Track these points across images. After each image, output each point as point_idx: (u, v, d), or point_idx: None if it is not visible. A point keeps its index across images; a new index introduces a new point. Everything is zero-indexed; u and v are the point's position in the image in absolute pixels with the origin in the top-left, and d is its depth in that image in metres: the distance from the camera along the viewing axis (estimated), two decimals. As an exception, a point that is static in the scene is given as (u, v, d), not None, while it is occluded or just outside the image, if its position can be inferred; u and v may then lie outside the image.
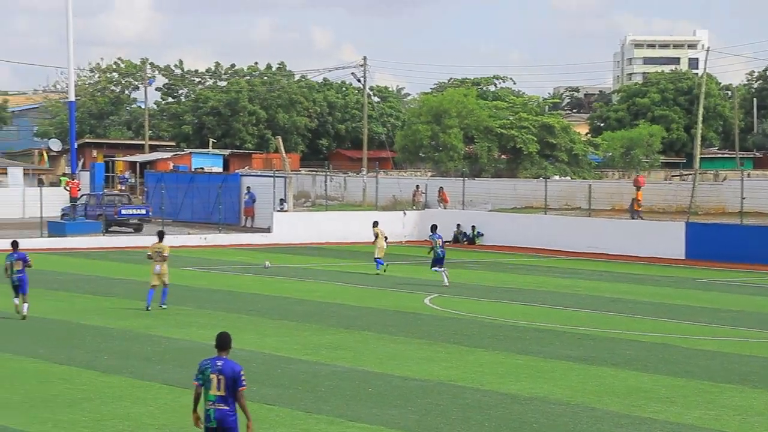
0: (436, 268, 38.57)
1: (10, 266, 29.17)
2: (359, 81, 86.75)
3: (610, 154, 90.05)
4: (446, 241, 54.92)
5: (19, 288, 29.09)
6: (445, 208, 63.01)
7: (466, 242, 58.05)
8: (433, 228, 39.68)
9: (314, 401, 19.76)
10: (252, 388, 20.51)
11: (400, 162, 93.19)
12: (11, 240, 30.88)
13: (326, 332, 27.77)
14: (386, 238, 44.15)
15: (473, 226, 58.50)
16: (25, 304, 29.17)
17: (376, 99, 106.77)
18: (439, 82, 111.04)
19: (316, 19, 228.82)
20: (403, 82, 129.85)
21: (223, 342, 13.97)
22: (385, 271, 42.29)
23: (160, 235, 32.06)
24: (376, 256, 42.96)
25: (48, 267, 43.35)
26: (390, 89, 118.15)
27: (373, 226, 44.16)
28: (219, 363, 13.76)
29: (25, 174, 75.02)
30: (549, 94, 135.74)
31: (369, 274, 42.44)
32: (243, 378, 13.74)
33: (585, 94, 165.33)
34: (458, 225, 58.85)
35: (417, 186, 66.49)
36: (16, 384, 20.77)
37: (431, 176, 77.52)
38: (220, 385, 13.65)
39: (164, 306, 31.12)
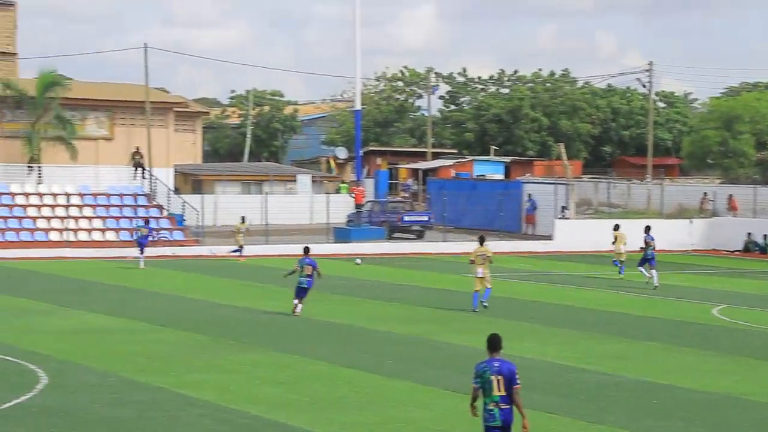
0: (642, 269, 40.18)
1: (300, 269, 30.68)
2: (645, 86, 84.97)
3: None
4: (736, 250, 52.88)
5: (302, 290, 30.64)
6: (734, 216, 60.91)
7: (757, 251, 55.93)
8: (647, 229, 41.08)
9: (596, 411, 19.36)
10: (533, 397, 20.34)
11: (687, 169, 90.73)
12: (303, 246, 32.60)
13: (609, 342, 27.25)
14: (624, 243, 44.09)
15: (765, 235, 56.29)
16: (300, 305, 30.78)
17: (662, 104, 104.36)
18: (729, 87, 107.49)
19: (601, 25, 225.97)
20: (690, 87, 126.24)
21: (496, 343, 14.22)
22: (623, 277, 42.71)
23: (481, 240, 32.94)
24: (618, 260, 43.48)
25: (334, 272, 44.50)
26: (676, 94, 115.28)
27: (614, 230, 44.68)
28: (496, 364, 14.04)
29: (312, 181, 77.27)
30: None
31: (653, 283, 41.46)
32: (517, 376, 14.02)
33: None
34: (749, 234, 56.81)
35: (704, 193, 64.55)
36: (305, 386, 21.29)
37: (720, 183, 75.08)
38: (500, 385, 13.94)
39: (486, 305, 32.12)
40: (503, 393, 13.92)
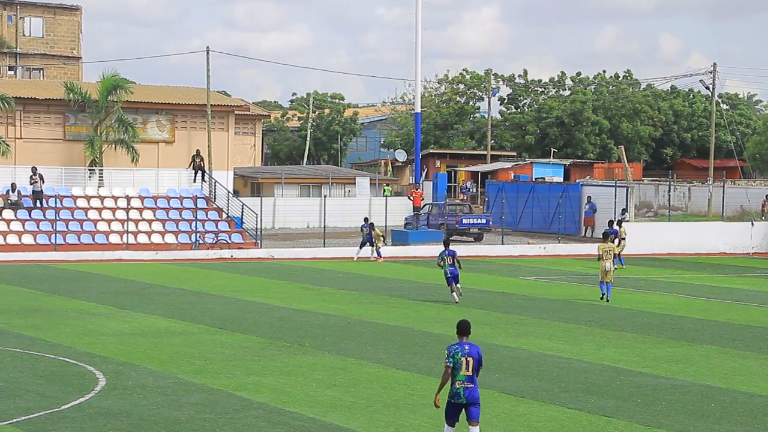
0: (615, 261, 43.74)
1: (442, 260, 34.23)
2: (708, 89, 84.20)
3: None
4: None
5: (449, 279, 34.16)
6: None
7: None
8: (610, 223, 46.35)
9: (654, 415, 19.22)
10: (590, 399, 20.26)
11: (750, 171, 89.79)
12: (443, 239, 36.61)
13: (667, 345, 27.04)
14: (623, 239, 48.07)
15: (827, 238, 55.60)
16: (455, 294, 34.17)
17: (725, 107, 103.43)
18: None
19: (663, 27, 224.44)
20: (754, 89, 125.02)
21: (466, 328, 15.87)
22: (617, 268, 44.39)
23: (605, 236, 37.19)
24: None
25: (390, 275, 44.67)
26: (740, 96, 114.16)
27: (618, 225, 48.72)
28: (466, 347, 15.72)
29: (371, 184, 77.34)
30: None
31: (715, 287, 41.08)
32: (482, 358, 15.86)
33: None
34: (811, 236, 56.13)
35: (767, 196, 63.85)
36: (361, 388, 21.33)
37: (783, 185, 74.24)
38: (469, 366, 15.61)
39: (608, 299, 35.05)
40: (470, 373, 15.58)
